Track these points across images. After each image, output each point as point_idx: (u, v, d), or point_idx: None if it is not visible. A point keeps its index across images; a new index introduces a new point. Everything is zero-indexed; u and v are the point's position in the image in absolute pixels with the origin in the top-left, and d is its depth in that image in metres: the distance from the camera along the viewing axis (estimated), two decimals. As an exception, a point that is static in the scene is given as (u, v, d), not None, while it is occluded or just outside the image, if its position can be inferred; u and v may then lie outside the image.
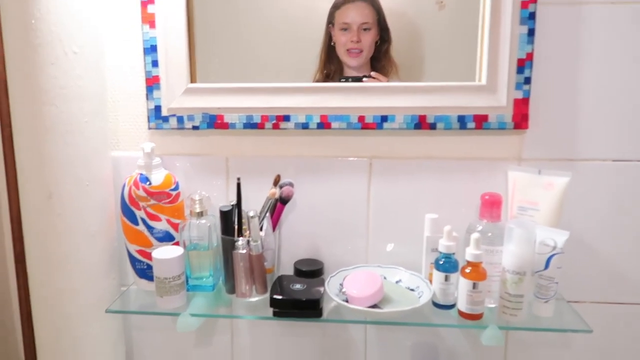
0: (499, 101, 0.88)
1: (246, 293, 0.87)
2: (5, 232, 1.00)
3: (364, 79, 0.92)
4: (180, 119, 0.94)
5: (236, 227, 0.88)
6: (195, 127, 0.94)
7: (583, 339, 0.97)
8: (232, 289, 0.88)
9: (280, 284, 0.88)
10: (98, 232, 0.91)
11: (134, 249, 0.92)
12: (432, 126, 0.90)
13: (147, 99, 0.94)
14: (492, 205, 0.84)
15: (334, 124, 0.91)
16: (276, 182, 0.92)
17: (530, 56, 0.86)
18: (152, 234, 0.90)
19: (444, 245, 0.82)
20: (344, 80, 0.93)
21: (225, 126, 0.93)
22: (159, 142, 0.96)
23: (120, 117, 0.97)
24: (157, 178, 0.90)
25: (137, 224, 0.90)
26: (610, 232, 0.93)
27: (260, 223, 0.88)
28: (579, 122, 0.90)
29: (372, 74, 0.92)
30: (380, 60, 0.93)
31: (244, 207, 0.89)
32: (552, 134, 0.90)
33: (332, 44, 0.93)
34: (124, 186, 0.90)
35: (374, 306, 0.83)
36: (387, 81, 0.92)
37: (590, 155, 0.91)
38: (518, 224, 0.80)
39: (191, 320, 0.86)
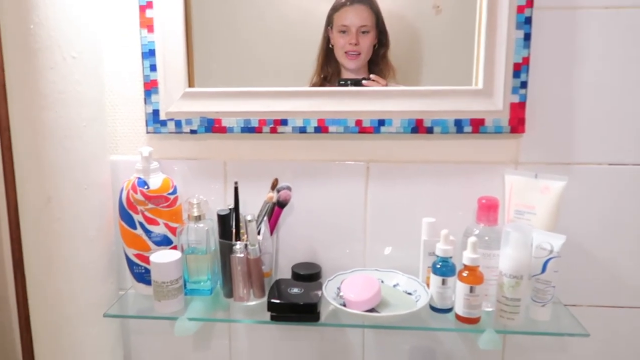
0: (495, 105, 0.88)
1: (244, 297, 0.87)
2: (3, 236, 1.00)
3: (363, 82, 0.92)
4: (178, 123, 0.94)
5: (234, 231, 0.88)
6: (193, 131, 0.94)
7: (580, 343, 0.97)
8: (229, 293, 0.88)
9: (277, 287, 0.88)
10: (96, 236, 0.91)
11: (132, 252, 0.92)
12: (429, 130, 0.90)
13: (145, 103, 0.94)
14: (489, 209, 0.85)
15: (331, 128, 0.91)
16: (274, 186, 0.93)
17: (526, 60, 0.87)
18: (150, 237, 0.90)
19: (441, 249, 0.82)
20: (343, 82, 0.93)
21: (223, 130, 0.93)
22: (157, 146, 0.96)
23: (119, 122, 0.98)
24: (155, 182, 0.90)
25: (135, 228, 0.90)
26: (607, 235, 0.93)
27: (257, 227, 0.88)
28: (575, 126, 0.90)
29: (372, 76, 0.93)
30: (378, 64, 0.94)
31: (241, 211, 0.89)
32: (549, 138, 0.91)
33: (330, 46, 0.94)
34: (122, 190, 0.91)
35: (372, 310, 0.83)
36: (386, 84, 0.92)
37: (587, 159, 0.91)
38: (515, 227, 0.80)
39: (189, 325, 0.86)
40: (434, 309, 0.84)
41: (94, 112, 0.90)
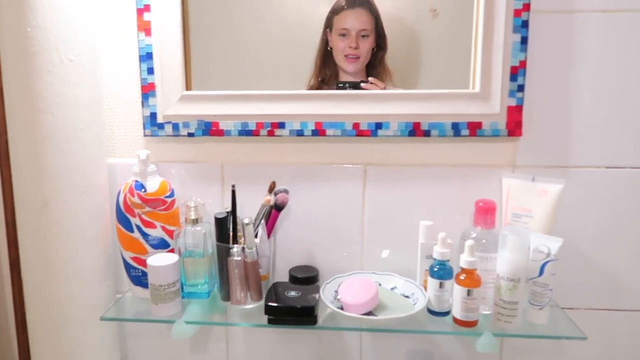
0: (492, 108, 0.88)
1: (241, 300, 0.87)
2: (0, 238, 1.00)
3: (362, 84, 0.92)
4: (175, 126, 0.94)
5: (231, 234, 0.88)
6: (190, 134, 0.94)
7: (577, 346, 0.97)
8: (227, 296, 0.88)
9: (275, 291, 0.88)
10: (94, 239, 0.91)
11: (129, 256, 0.92)
12: (427, 133, 0.90)
13: (143, 106, 0.94)
14: (486, 212, 0.85)
15: (329, 131, 0.91)
16: (271, 189, 0.93)
17: (523, 64, 0.87)
18: (147, 241, 0.90)
19: (438, 252, 0.82)
20: (341, 85, 0.93)
21: (220, 133, 0.93)
22: (155, 149, 0.96)
23: (116, 124, 0.98)
24: (152, 185, 0.90)
25: (132, 231, 0.90)
26: (604, 238, 0.93)
27: (255, 230, 0.88)
28: (572, 129, 0.90)
29: (370, 79, 0.93)
30: (375, 67, 0.94)
31: (239, 214, 0.89)
32: (546, 141, 0.91)
33: (328, 48, 0.94)
34: (119, 193, 0.90)
35: (369, 313, 0.83)
36: (384, 87, 0.92)
37: (584, 162, 0.91)
38: (512, 230, 0.80)
39: (186, 328, 0.86)
40: (431, 312, 0.84)
41: (91, 115, 0.90)
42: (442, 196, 0.94)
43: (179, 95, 0.93)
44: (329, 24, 0.93)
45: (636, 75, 0.88)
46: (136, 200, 0.89)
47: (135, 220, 0.90)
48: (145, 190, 0.89)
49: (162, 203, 0.90)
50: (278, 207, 0.92)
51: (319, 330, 0.98)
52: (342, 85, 0.93)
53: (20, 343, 1.00)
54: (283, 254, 0.98)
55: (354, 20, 0.92)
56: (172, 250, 0.91)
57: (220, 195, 0.97)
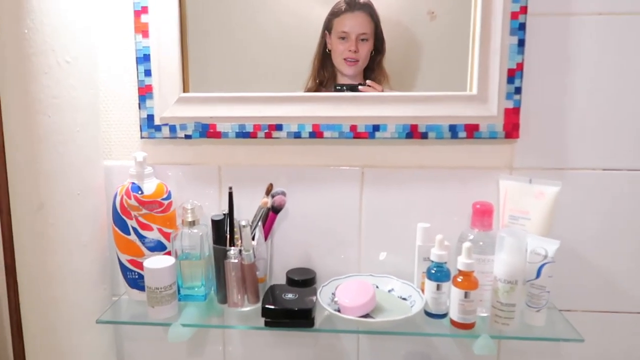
0: (489, 111, 0.89)
1: (238, 303, 0.86)
2: (-4, 242, 0.99)
3: (359, 87, 0.93)
4: (172, 128, 0.94)
5: (228, 236, 0.87)
6: (187, 136, 0.94)
7: (575, 348, 0.97)
8: (224, 298, 0.87)
9: (272, 293, 0.88)
10: (90, 241, 0.91)
11: (125, 258, 0.91)
12: (424, 135, 0.90)
13: (140, 108, 0.94)
14: (483, 214, 0.85)
15: (326, 133, 0.91)
16: (268, 191, 0.92)
17: (520, 66, 0.87)
18: (143, 243, 0.90)
19: (435, 254, 0.82)
20: (339, 88, 0.93)
21: (217, 135, 0.93)
22: (151, 152, 0.96)
23: (113, 127, 0.97)
24: (149, 187, 0.90)
25: (128, 233, 0.90)
26: (601, 240, 0.93)
27: (252, 232, 0.87)
28: (569, 132, 0.91)
29: (368, 82, 0.93)
30: (373, 71, 0.94)
31: (236, 216, 0.89)
32: (543, 143, 0.91)
33: (327, 50, 0.94)
34: (115, 195, 0.90)
35: (367, 315, 0.83)
36: (382, 90, 0.92)
37: (580, 165, 0.91)
38: (509, 232, 0.80)
39: (183, 331, 0.86)
40: (428, 314, 0.84)
41: (88, 117, 0.89)
42: (440, 198, 0.94)
43: (176, 97, 0.92)
44: (328, 26, 0.93)
45: (633, 78, 0.88)
46: (133, 202, 0.88)
47: (131, 223, 0.89)
48: (142, 193, 0.89)
49: (159, 205, 0.90)
50: (275, 210, 0.92)
51: (316, 332, 0.98)
52: (339, 87, 0.93)
53: (15, 347, 0.99)
54: (280, 256, 0.98)
55: (354, 24, 0.92)
56: (168, 253, 0.91)
57: (217, 198, 0.97)
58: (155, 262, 0.85)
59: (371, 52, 0.93)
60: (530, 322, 0.83)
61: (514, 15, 0.86)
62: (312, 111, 0.91)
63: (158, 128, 0.94)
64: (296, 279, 0.92)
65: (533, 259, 0.80)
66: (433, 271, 0.82)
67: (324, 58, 0.94)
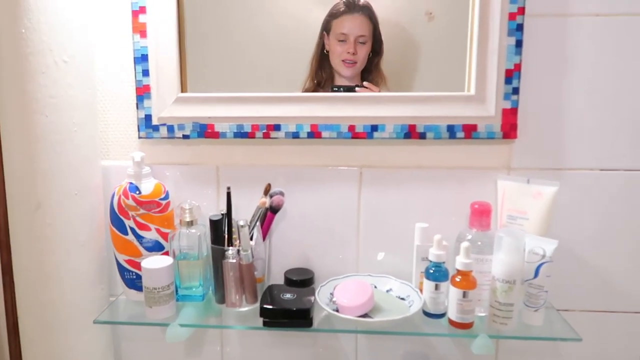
0: (487, 111, 0.89)
1: (236, 303, 0.86)
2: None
3: (356, 89, 0.93)
4: (170, 128, 0.93)
5: (226, 236, 0.87)
6: (185, 137, 0.94)
7: (573, 347, 0.98)
8: (222, 298, 0.87)
9: (270, 293, 0.88)
10: (87, 241, 0.90)
11: (122, 258, 0.91)
12: (422, 136, 0.90)
13: (138, 108, 0.93)
14: (481, 214, 0.85)
15: (324, 134, 0.91)
16: (266, 191, 0.92)
17: (518, 67, 0.87)
18: (141, 243, 0.90)
19: (434, 254, 0.82)
20: (336, 89, 0.93)
21: (215, 135, 0.93)
22: (149, 152, 0.95)
23: (111, 126, 0.97)
24: (147, 187, 0.90)
25: (126, 233, 0.89)
26: (598, 240, 0.94)
27: (250, 232, 0.87)
28: (566, 132, 0.91)
29: (365, 83, 0.93)
30: (371, 72, 0.94)
31: (234, 216, 0.88)
32: (541, 144, 0.91)
33: (325, 51, 0.94)
34: (113, 195, 0.90)
35: (365, 315, 0.83)
36: (379, 91, 0.93)
37: (578, 165, 0.92)
38: (507, 232, 0.80)
39: (181, 331, 0.85)
40: (427, 314, 0.84)
41: (85, 117, 0.89)
42: (438, 198, 0.94)
43: (174, 97, 0.92)
44: (326, 28, 0.93)
45: (630, 78, 0.89)
46: (130, 202, 0.88)
47: (129, 223, 0.89)
48: (139, 193, 0.89)
49: (156, 205, 0.90)
50: (273, 210, 0.92)
51: (314, 332, 0.98)
52: (336, 89, 0.93)
53: (12, 347, 0.99)
54: (278, 256, 0.98)
55: (353, 26, 0.92)
56: (166, 253, 0.90)
57: (215, 198, 0.97)
58: (153, 262, 0.84)
59: (369, 54, 0.93)
60: (528, 322, 0.83)
61: (512, 16, 0.86)
62: (310, 111, 0.91)
63: (156, 128, 0.94)
64: (294, 279, 0.91)
65: (531, 258, 0.81)
66: (431, 271, 0.83)
67: (322, 59, 0.94)
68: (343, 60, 0.93)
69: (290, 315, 0.83)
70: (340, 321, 0.83)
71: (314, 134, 0.92)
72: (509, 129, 0.89)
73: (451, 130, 0.90)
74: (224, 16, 0.94)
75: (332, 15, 0.92)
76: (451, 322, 0.81)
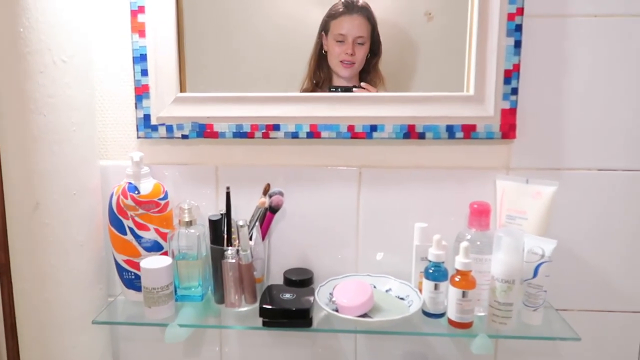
0: (486, 111, 0.89)
1: (235, 303, 0.86)
2: (-10, 242, 0.98)
3: (354, 89, 0.93)
4: (169, 128, 0.93)
5: (225, 236, 0.87)
6: (184, 136, 0.93)
7: (572, 347, 0.98)
8: (221, 298, 0.87)
9: (269, 293, 0.88)
10: (85, 241, 0.90)
11: (121, 258, 0.91)
12: (421, 136, 0.90)
13: (136, 107, 0.93)
14: (480, 214, 0.85)
15: (324, 134, 0.91)
16: (266, 191, 0.92)
17: (517, 67, 0.87)
18: (140, 243, 0.89)
19: (433, 254, 0.82)
20: (333, 89, 0.93)
21: (214, 135, 0.93)
22: (148, 151, 0.95)
23: (109, 126, 0.97)
24: (146, 187, 0.90)
25: (125, 233, 0.89)
26: (597, 240, 0.94)
27: (249, 232, 0.87)
28: (565, 132, 0.91)
29: (362, 84, 0.93)
30: (369, 73, 0.94)
31: (233, 216, 0.88)
32: (539, 144, 0.92)
33: (323, 52, 0.94)
34: (112, 195, 0.90)
35: (364, 315, 0.83)
36: (376, 92, 0.93)
37: (576, 165, 0.92)
38: (506, 232, 0.80)
39: (180, 331, 0.85)
40: (426, 314, 0.84)
41: (84, 116, 0.89)
42: (437, 198, 0.94)
43: (173, 97, 0.92)
44: (325, 28, 0.93)
45: (628, 79, 0.89)
46: (129, 202, 0.88)
47: (128, 223, 0.89)
48: (138, 193, 0.88)
49: (155, 205, 0.90)
50: (273, 210, 0.91)
51: (313, 332, 0.98)
52: (334, 89, 0.93)
53: (9, 348, 0.98)
54: (278, 256, 0.98)
55: (351, 27, 0.92)
56: (165, 253, 0.90)
57: (214, 198, 0.97)
58: (152, 262, 0.84)
59: (367, 55, 0.93)
60: (527, 322, 0.83)
61: (511, 17, 0.86)
62: (309, 111, 0.91)
63: (155, 128, 0.93)
64: (294, 279, 0.91)
65: (530, 258, 0.81)
66: (431, 271, 0.83)
67: (320, 59, 0.94)
68: (341, 61, 0.93)
69: (289, 315, 0.83)
70: (339, 321, 0.83)
71: (314, 134, 0.92)
72: (508, 129, 0.89)
73: (450, 130, 0.90)
74: (223, 16, 0.94)
75: (331, 16, 0.92)
76: (450, 321, 0.81)
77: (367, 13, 0.91)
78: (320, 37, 0.93)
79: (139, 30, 0.90)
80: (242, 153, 0.95)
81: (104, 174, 0.96)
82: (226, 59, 0.95)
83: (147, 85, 0.92)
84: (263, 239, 0.91)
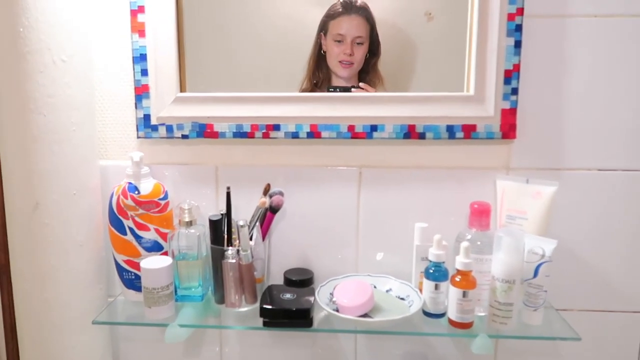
0: (486, 111, 0.89)
1: (235, 303, 0.86)
2: (-11, 242, 0.98)
3: (353, 89, 0.93)
4: (169, 128, 0.93)
5: (226, 236, 0.87)
6: (184, 136, 0.93)
7: (572, 347, 0.98)
8: (221, 299, 0.87)
9: (270, 293, 0.88)
10: (85, 242, 0.90)
11: (121, 259, 0.90)
12: (421, 136, 0.90)
13: (136, 107, 0.93)
14: (481, 214, 0.85)
15: (324, 134, 0.91)
16: (266, 191, 0.92)
17: (517, 67, 0.87)
18: (140, 243, 0.89)
19: (433, 254, 0.82)
20: (332, 90, 0.93)
21: (214, 135, 0.93)
22: (148, 151, 0.95)
23: (109, 126, 0.97)
24: (146, 187, 0.89)
25: (125, 233, 0.89)
26: (597, 240, 0.94)
27: (250, 232, 0.87)
28: (565, 132, 0.91)
29: (361, 84, 0.93)
30: (368, 73, 0.94)
31: (233, 216, 0.88)
32: (539, 144, 0.92)
33: (322, 52, 0.94)
34: (112, 195, 0.89)
35: (365, 315, 0.83)
36: (375, 92, 0.93)
37: (576, 165, 0.92)
38: (507, 232, 0.80)
39: (180, 331, 0.85)
40: (427, 314, 0.84)
41: (83, 116, 0.89)
42: (437, 198, 0.94)
43: (173, 97, 0.92)
44: (323, 28, 0.93)
45: (628, 79, 0.89)
46: (129, 202, 0.88)
47: (128, 223, 0.89)
48: (138, 193, 0.88)
49: (155, 205, 0.89)
50: (273, 210, 0.91)
51: (314, 332, 0.98)
52: (333, 89, 0.93)
53: (9, 348, 0.98)
54: (278, 256, 0.98)
55: (350, 27, 0.92)
56: (165, 253, 0.90)
57: (214, 198, 0.97)
58: (152, 262, 0.84)
59: (366, 55, 0.93)
60: (527, 322, 0.83)
61: (511, 17, 0.86)
62: (309, 111, 0.91)
63: (155, 128, 0.93)
64: (294, 279, 0.91)
65: (530, 258, 0.81)
66: (431, 271, 0.83)
67: (319, 59, 0.94)
68: (340, 61, 0.93)
69: (290, 315, 0.83)
70: (340, 321, 0.83)
71: (314, 134, 0.91)
72: (508, 129, 0.89)
73: (450, 130, 0.90)
74: (223, 16, 0.94)
75: (330, 16, 0.92)
76: (451, 321, 0.81)
77: (365, 13, 0.91)
78: (319, 37, 0.93)
79: (139, 30, 0.90)
80: (242, 153, 0.95)
81: (104, 174, 0.96)
82: (226, 59, 0.95)
83: (147, 85, 0.92)
84: (263, 239, 0.91)
